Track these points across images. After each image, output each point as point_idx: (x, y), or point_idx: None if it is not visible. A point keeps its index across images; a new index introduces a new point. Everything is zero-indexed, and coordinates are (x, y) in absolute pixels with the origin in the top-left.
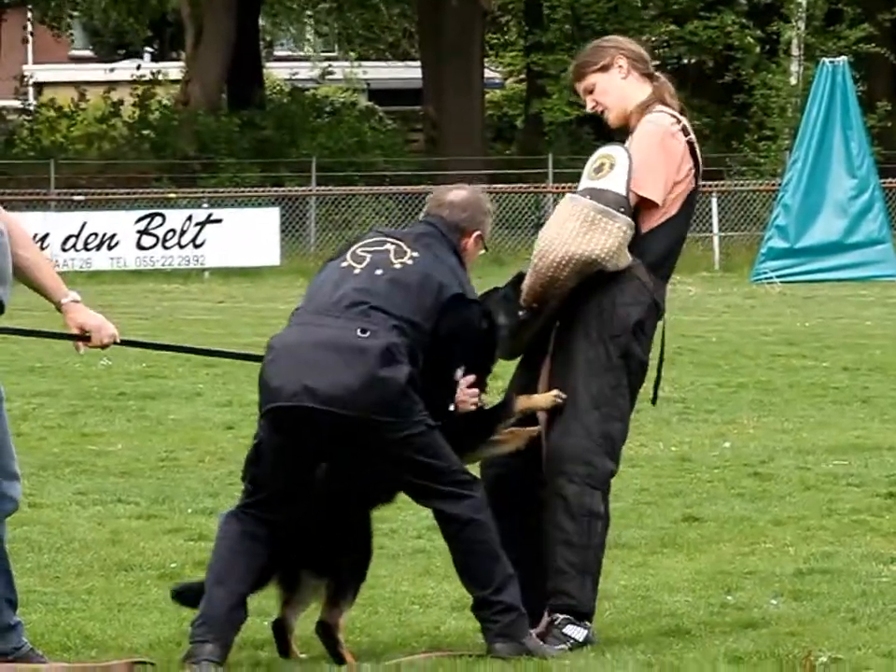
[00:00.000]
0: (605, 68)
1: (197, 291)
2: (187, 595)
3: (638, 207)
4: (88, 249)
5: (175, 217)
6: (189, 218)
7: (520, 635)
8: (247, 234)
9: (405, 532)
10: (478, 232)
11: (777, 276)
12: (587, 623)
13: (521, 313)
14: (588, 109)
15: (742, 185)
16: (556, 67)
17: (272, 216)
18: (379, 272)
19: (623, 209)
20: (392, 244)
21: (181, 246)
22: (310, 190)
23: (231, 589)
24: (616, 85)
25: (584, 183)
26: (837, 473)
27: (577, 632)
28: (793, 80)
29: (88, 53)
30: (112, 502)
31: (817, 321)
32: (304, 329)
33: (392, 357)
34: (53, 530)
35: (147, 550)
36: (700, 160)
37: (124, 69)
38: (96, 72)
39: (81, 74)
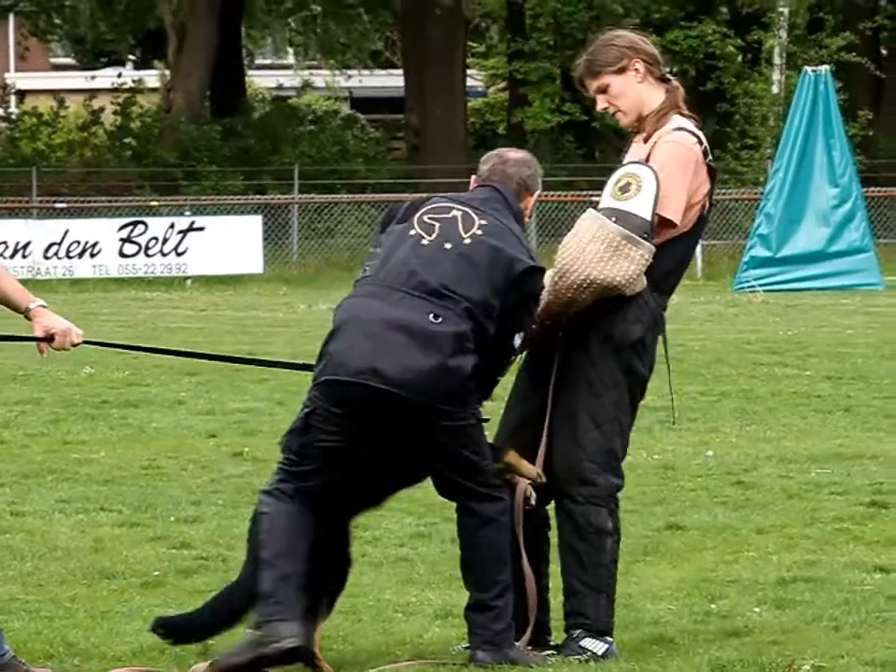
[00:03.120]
0: (622, 70)
1: (179, 299)
2: (168, 629)
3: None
4: (70, 257)
5: (157, 225)
6: (172, 226)
7: (505, 645)
8: (230, 242)
9: (388, 540)
10: (537, 192)
11: (760, 285)
12: (607, 638)
13: (533, 327)
14: (598, 108)
15: (724, 193)
16: (538, 75)
17: (254, 224)
18: (448, 246)
19: (646, 235)
20: (458, 210)
21: (164, 254)
22: (292, 199)
23: (296, 570)
24: (632, 89)
25: (609, 201)
26: (820, 482)
27: (595, 645)
28: (775, 89)
29: (69, 61)
30: (95, 510)
31: (799, 330)
32: (374, 302)
33: (462, 345)
34: (36, 538)
35: (129, 558)
36: (714, 181)
37: (106, 77)
38: (78, 80)
39: (63, 82)
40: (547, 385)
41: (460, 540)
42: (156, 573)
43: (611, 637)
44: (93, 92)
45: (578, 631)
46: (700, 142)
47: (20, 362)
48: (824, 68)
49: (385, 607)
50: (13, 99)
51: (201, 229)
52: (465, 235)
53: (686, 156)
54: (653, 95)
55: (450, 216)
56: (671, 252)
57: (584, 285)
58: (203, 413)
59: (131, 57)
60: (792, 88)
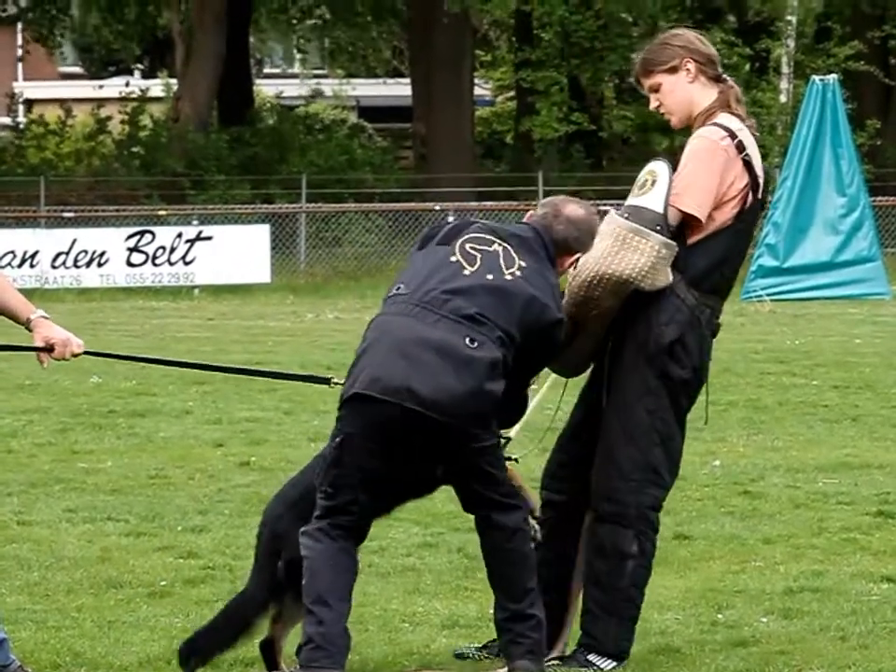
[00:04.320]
0: (673, 70)
1: (187, 309)
2: (191, 654)
3: (685, 221)
4: (78, 266)
5: (164, 235)
6: (179, 236)
7: (543, 653)
8: (237, 251)
9: (395, 550)
10: (579, 255)
11: (767, 294)
12: (613, 662)
13: None
14: (651, 107)
15: None
16: (545, 84)
17: (262, 233)
18: (490, 277)
19: (658, 227)
20: (500, 245)
21: (171, 264)
22: (300, 208)
23: (339, 610)
24: (682, 88)
25: (628, 200)
26: (827, 492)
27: (603, 662)
28: (783, 98)
29: (77, 70)
30: (102, 520)
31: (807, 339)
32: (409, 321)
33: (495, 371)
34: (43, 548)
35: (136, 567)
36: (759, 175)
37: (113, 86)
38: (85, 89)
39: (71, 91)
40: (596, 395)
41: (487, 554)
42: (163, 583)
43: (620, 660)
44: (101, 101)
45: (583, 648)
46: (732, 136)
47: (27, 372)
48: (832, 77)
49: (392, 617)
50: (21, 108)
51: (208, 238)
52: (506, 272)
53: (710, 149)
54: (704, 95)
55: (491, 249)
56: (706, 249)
57: (595, 281)
58: (211, 423)
59: (138, 66)
60: (800, 97)
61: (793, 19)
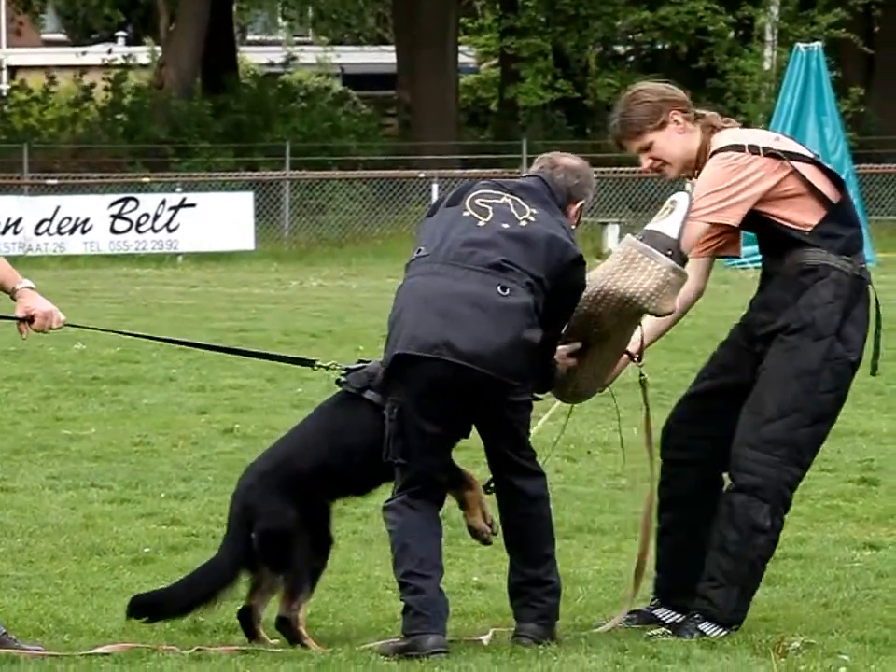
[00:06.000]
0: (663, 125)
1: (171, 276)
2: (143, 608)
3: (790, 227)
4: (61, 233)
5: (148, 202)
6: (163, 203)
7: (555, 618)
8: (221, 219)
9: (378, 517)
10: (582, 202)
11: (751, 262)
12: (727, 630)
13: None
14: (644, 167)
15: None
16: (530, 51)
17: (246, 200)
18: (505, 226)
19: (670, 252)
20: (508, 197)
21: (155, 231)
22: (284, 175)
23: (433, 577)
24: (676, 140)
25: (647, 225)
26: None
27: (713, 630)
28: (767, 66)
29: (61, 37)
30: (85, 486)
31: None
32: (438, 279)
33: (531, 317)
34: (26, 514)
35: (120, 534)
36: (796, 150)
37: (97, 53)
38: (69, 56)
39: (54, 58)
40: (730, 370)
41: (505, 518)
42: (146, 549)
43: (736, 629)
44: (84, 68)
45: (698, 615)
46: (738, 148)
47: (11, 338)
48: (816, 45)
49: (375, 584)
50: (4, 75)
51: (192, 205)
52: (520, 218)
53: (716, 170)
54: (695, 139)
55: (501, 201)
56: (838, 221)
57: (600, 296)
58: (194, 390)
59: (122, 33)
60: (784, 64)
61: None
